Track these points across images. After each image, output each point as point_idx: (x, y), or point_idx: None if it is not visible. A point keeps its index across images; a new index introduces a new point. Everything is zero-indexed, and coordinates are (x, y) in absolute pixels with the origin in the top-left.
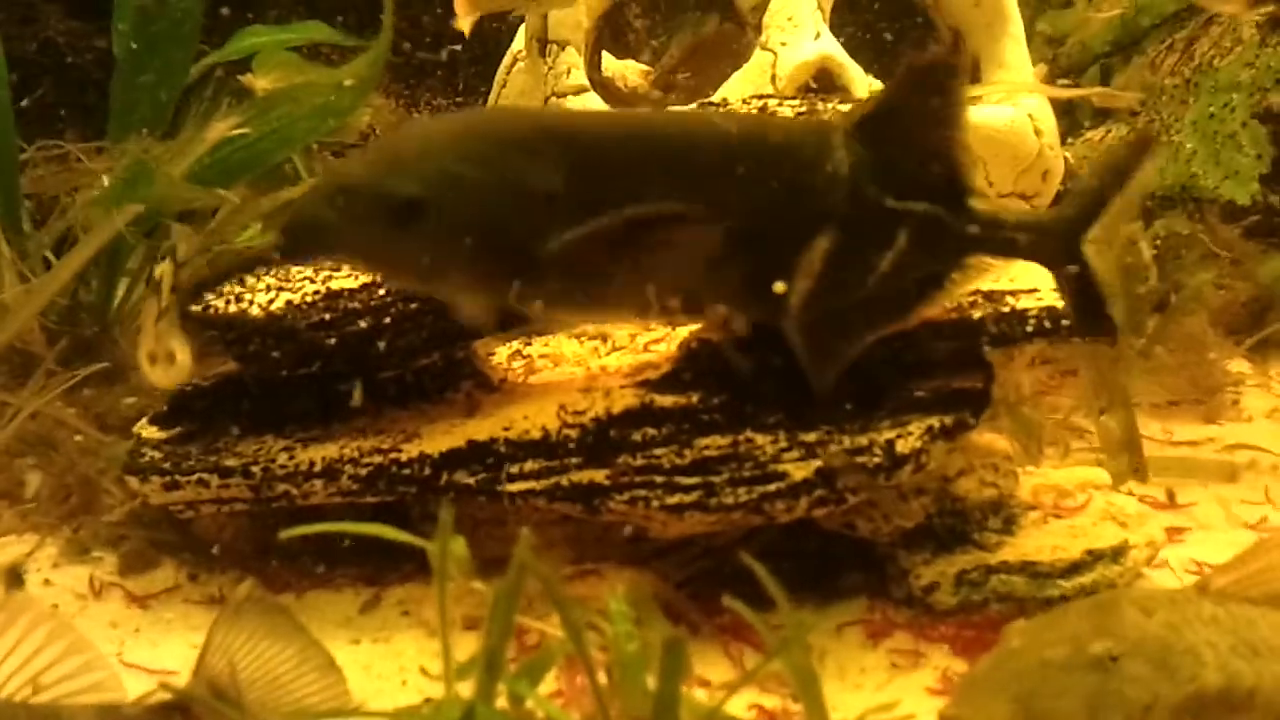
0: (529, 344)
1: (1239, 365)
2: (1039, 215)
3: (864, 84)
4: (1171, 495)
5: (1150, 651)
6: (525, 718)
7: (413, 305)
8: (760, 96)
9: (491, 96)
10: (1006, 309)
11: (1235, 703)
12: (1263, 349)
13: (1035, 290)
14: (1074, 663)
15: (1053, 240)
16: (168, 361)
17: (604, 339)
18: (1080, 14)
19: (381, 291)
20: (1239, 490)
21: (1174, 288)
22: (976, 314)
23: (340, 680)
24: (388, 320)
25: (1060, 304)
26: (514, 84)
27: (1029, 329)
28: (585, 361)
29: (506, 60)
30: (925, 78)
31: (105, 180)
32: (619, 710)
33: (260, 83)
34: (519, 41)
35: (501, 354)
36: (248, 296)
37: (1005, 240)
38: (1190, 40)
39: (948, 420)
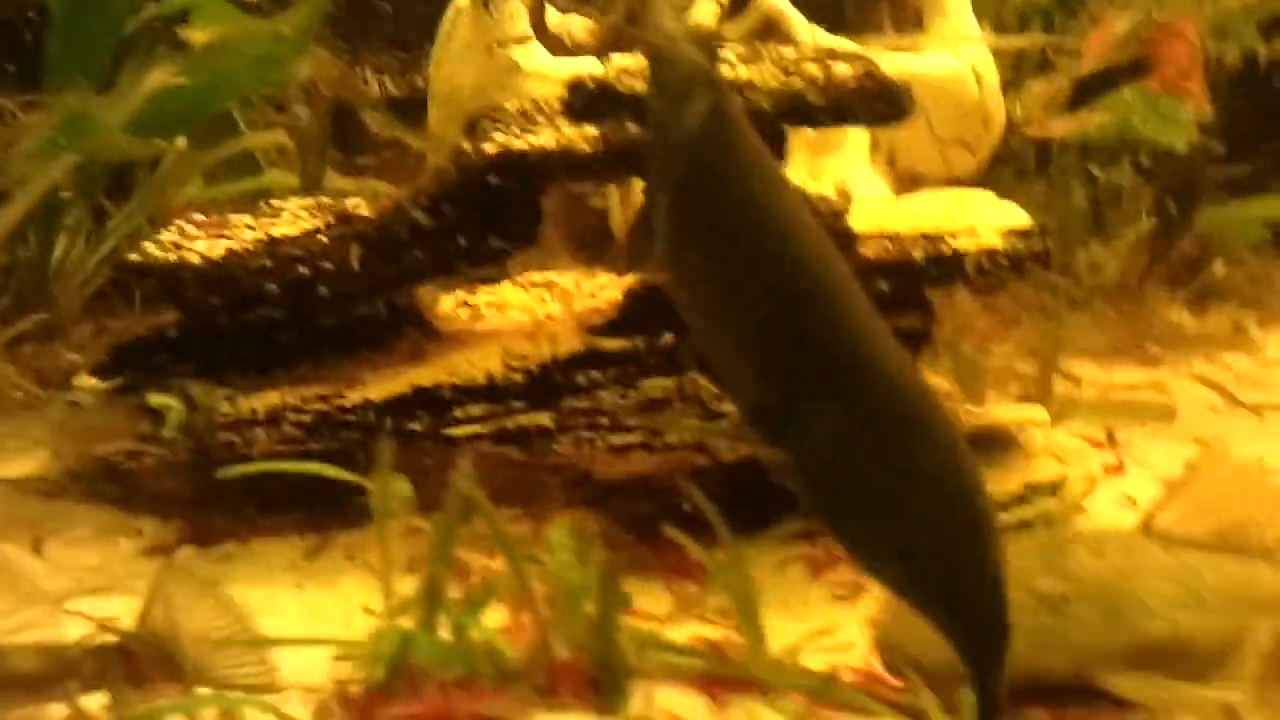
0: (475, 292)
1: (1179, 313)
2: None
3: (806, 32)
4: (1110, 434)
5: (1099, 596)
6: (465, 647)
7: (352, 251)
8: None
9: (435, 48)
10: (946, 250)
11: (1174, 653)
12: (1203, 298)
13: (975, 231)
14: (1019, 599)
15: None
16: None
17: (550, 287)
18: None
19: (323, 238)
20: (1175, 429)
21: (1114, 238)
22: (916, 254)
23: (267, 654)
24: (327, 266)
25: (1000, 244)
26: (459, 35)
27: (968, 269)
28: (531, 308)
29: (450, 12)
30: None
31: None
32: (561, 638)
33: (198, 36)
34: None
35: (448, 302)
36: (186, 244)
37: None
38: None
39: None
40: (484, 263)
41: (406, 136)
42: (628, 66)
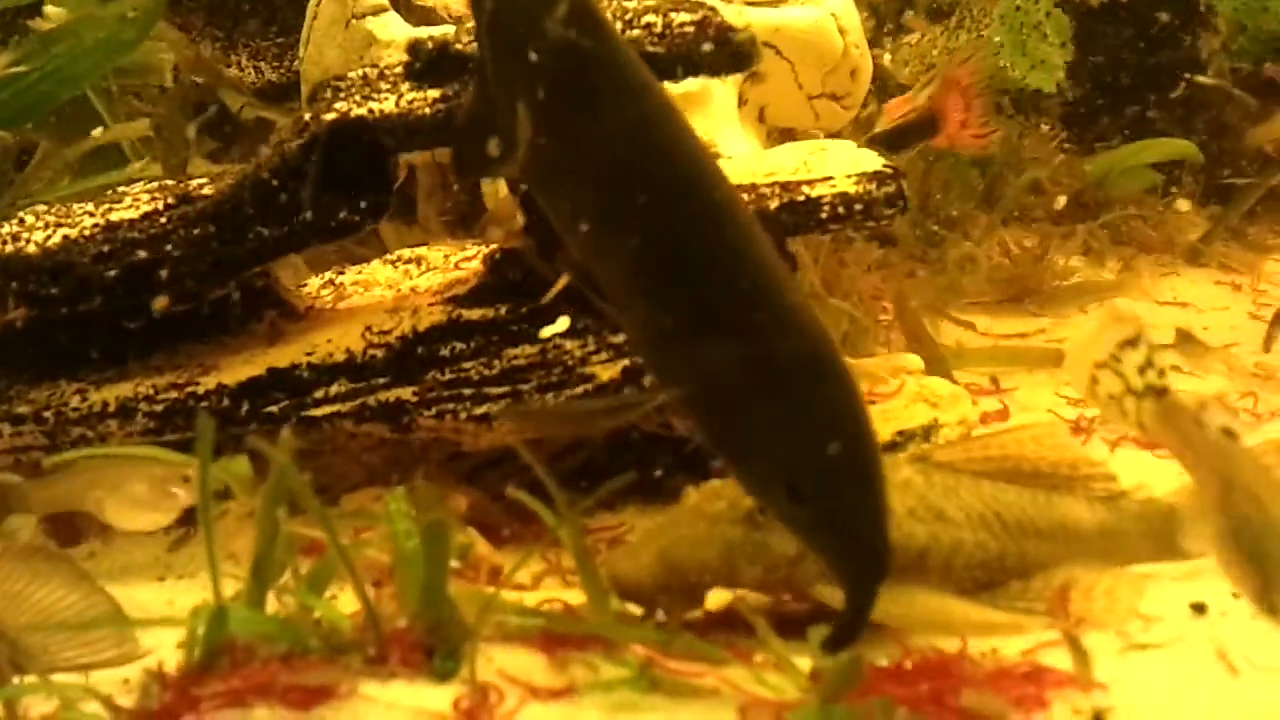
0: (342, 272)
1: (1074, 261)
2: None
3: None
4: (995, 380)
5: None
6: (294, 621)
7: (195, 232)
8: None
9: (304, 28)
10: (801, 198)
11: (905, 563)
12: (1097, 245)
13: (830, 178)
14: (725, 516)
15: None
16: None
17: (418, 262)
18: None
19: (164, 220)
20: (1063, 374)
21: (1002, 188)
22: (772, 204)
23: (127, 627)
24: (169, 248)
25: (852, 189)
26: (324, 13)
27: (823, 215)
28: (397, 284)
29: None
30: None
31: None
32: (397, 609)
33: (48, 25)
34: None
35: (313, 283)
36: (25, 235)
37: None
38: None
39: None
40: (336, 236)
41: (275, 118)
42: (471, 25)
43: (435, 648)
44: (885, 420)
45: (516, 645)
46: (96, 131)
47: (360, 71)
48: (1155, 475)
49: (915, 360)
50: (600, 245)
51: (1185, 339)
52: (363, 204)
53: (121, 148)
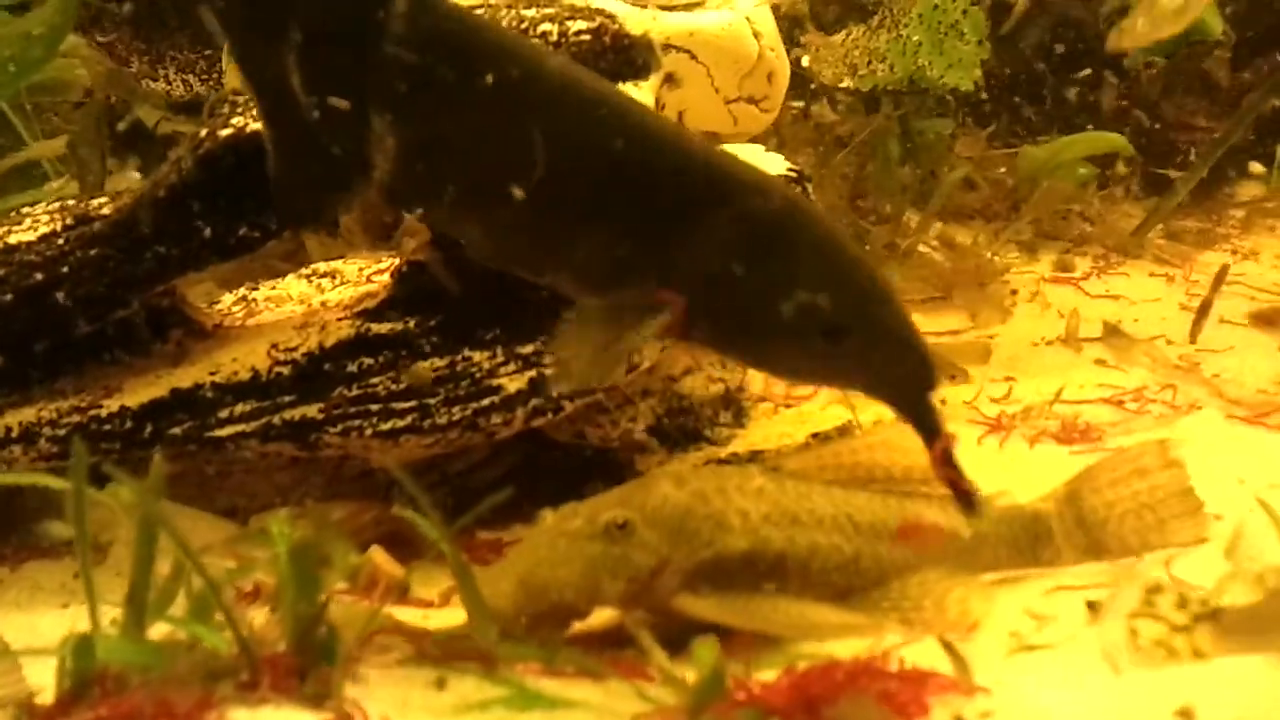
0: (256, 288)
1: (1009, 255)
2: None
3: None
4: None
5: (666, 519)
6: (170, 648)
7: (92, 253)
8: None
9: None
10: None
11: (763, 568)
12: (1031, 240)
13: None
14: (583, 533)
15: None
16: None
17: (333, 275)
18: None
19: (61, 241)
20: (990, 370)
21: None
22: None
23: (14, 666)
24: (65, 270)
25: None
26: None
27: None
28: (309, 299)
29: None
30: None
31: None
32: (280, 633)
33: None
34: None
35: (226, 299)
36: None
37: None
38: None
39: None
40: (236, 254)
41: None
42: None
43: (307, 671)
44: (801, 423)
45: (395, 666)
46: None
47: None
48: (1071, 471)
49: None
50: (533, 208)
51: (1112, 332)
52: (263, 220)
53: (44, 166)
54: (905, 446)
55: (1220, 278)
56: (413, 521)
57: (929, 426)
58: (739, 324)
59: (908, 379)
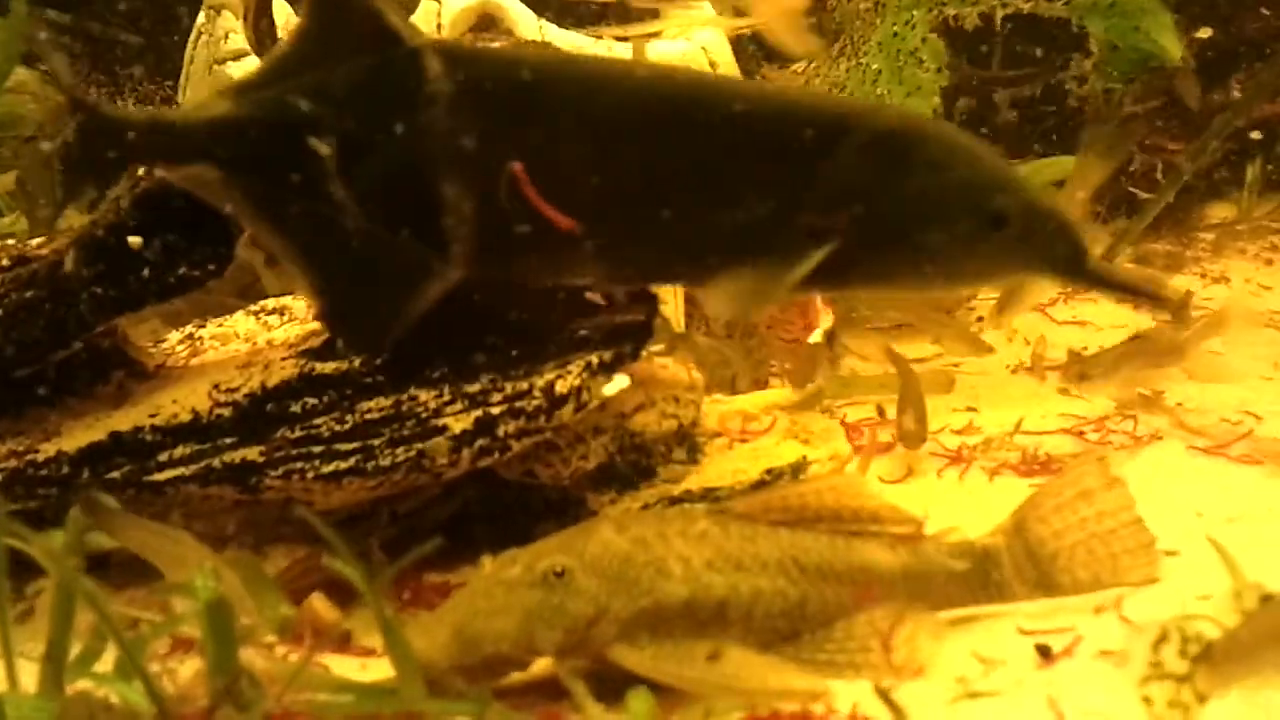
0: (203, 325)
1: None
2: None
3: (532, 26)
4: (881, 410)
5: (605, 566)
6: (81, 703)
7: (28, 294)
8: None
9: (182, 74)
10: None
11: (705, 616)
12: None
13: None
14: (521, 581)
15: None
16: None
17: (281, 312)
18: None
19: None
20: (952, 399)
21: None
22: None
23: None
24: (0, 314)
25: None
26: (199, 56)
27: None
28: (255, 337)
29: (193, 34)
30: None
31: None
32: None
33: None
34: (203, 14)
35: (172, 338)
36: None
37: None
38: None
39: (606, 355)
40: (175, 294)
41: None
42: None
43: None
44: (756, 458)
45: None
46: None
47: None
48: None
49: (788, 395)
50: (665, 209)
51: (1075, 360)
52: (201, 259)
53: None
54: (855, 489)
55: (1185, 304)
56: (340, 570)
57: (1109, 283)
58: (899, 245)
59: (1071, 249)
